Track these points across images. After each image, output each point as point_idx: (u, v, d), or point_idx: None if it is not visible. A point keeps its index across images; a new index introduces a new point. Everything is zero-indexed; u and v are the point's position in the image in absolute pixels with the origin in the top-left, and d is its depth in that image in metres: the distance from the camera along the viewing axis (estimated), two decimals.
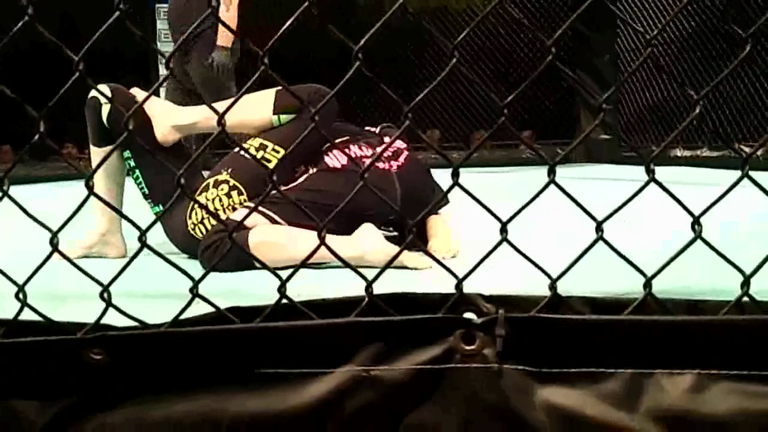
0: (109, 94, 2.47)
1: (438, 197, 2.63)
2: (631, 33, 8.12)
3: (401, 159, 2.55)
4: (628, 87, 8.18)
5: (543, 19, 8.86)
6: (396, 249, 2.18)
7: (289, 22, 0.91)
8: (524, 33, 8.94)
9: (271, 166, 2.40)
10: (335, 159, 2.46)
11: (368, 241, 2.27)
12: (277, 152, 2.43)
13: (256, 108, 2.45)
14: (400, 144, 2.63)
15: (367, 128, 2.74)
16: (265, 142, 2.44)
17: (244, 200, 2.42)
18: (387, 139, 2.64)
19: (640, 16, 7.86)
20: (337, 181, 2.39)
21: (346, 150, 2.47)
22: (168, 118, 2.49)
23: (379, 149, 2.56)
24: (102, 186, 2.45)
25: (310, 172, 2.47)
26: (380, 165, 2.47)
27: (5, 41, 0.89)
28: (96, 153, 2.55)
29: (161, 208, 2.57)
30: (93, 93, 2.49)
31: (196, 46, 4.57)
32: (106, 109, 2.46)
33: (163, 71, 8.04)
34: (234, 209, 2.41)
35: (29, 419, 0.86)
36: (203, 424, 0.85)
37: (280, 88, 2.44)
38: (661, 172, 0.90)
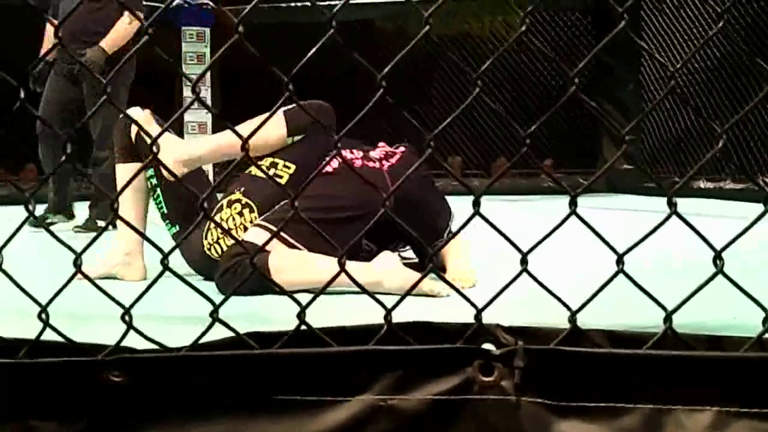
0: (141, 115, 2.51)
1: (444, 212, 2.65)
2: (655, 63, 8.11)
3: (393, 159, 2.57)
4: (652, 118, 8.15)
5: (566, 47, 8.87)
6: (413, 274, 2.20)
7: (314, 49, 0.92)
8: (547, 61, 8.95)
9: (282, 182, 2.44)
10: (328, 165, 2.48)
11: (387, 267, 2.27)
12: (288, 168, 2.47)
13: (271, 132, 2.48)
14: (388, 147, 2.66)
15: (381, 144, 2.74)
16: (276, 160, 2.49)
17: (255, 218, 2.43)
18: (381, 144, 2.67)
19: (664, 45, 7.85)
20: (329, 183, 2.41)
21: (338, 157, 2.49)
22: (172, 153, 2.48)
23: (372, 153, 2.58)
24: (128, 206, 2.46)
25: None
26: (371, 164, 2.50)
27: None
28: (119, 168, 2.59)
29: (178, 228, 2.59)
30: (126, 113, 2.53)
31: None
32: (135, 129, 2.50)
33: (187, 93, 8.11)
34: (245, 228, 2.42)
35: None
36: None
37: (286, 108, 2.47)
38: (684, 204, 0.90)
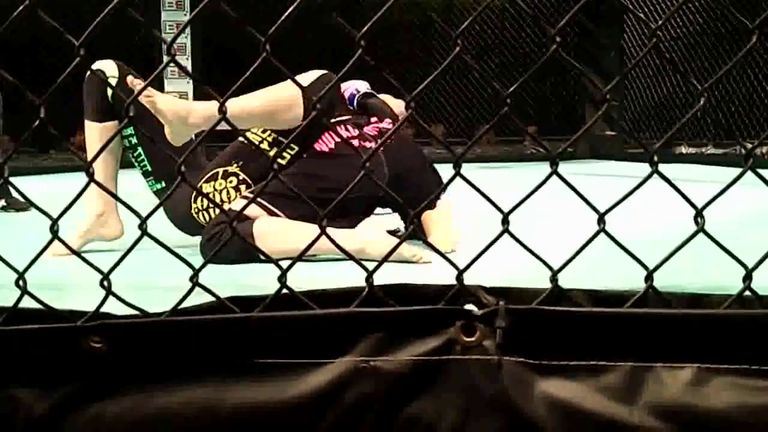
0: (116, 71, 2.44)
1: (433, 182, 2.63)
2: (637, 29, 8.10)
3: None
4: (634, 84, 8.17)
5: (549, 14, 8.84)
6: (396, 242, 2.19)
7: (290, 10, 0.91)
8: (530, 28, 8.91)
9: (284, 162, 2.41)
10: (323, 143, 2.45)
11: (369, 234, 2.28)
12: (292, 149, 2.43)
13: (286, 112, 2.35)
14: (386, 124, 2.64)
15: (373, 120, 2.71)
16: (282, 139, 2.43)
17: (252, 193, 2.42)
18: (374, 120, 2.64)
19: (645, 9, 7.84)
20: (327, 165, 2.40)
21: (332, 133, 2.46)
22: (181, 118, 2.35)
23: (366, 129, 2.56)
24: (99, 165, 2.38)
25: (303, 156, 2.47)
26: (367, 144, 2.48)
27: (5, 25, 0.89)
28: (95, 128, 2.47)
29: (163, 185, 2.56)
30: (95, 66, 2.44)
31: None
32: (113, 82, 2.42)
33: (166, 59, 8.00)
34: None
35: (29, 407, 0.86)
36: (202, 414, 0.85)
37: (304, 85, 2.41)
38: (665, 169, 0.89)
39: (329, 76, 2.38)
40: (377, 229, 2.34)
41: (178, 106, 2.34)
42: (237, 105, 2.20)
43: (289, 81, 2.41)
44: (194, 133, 2.44)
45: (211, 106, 2.48)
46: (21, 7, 0.88)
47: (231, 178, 2.44)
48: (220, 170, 2.47)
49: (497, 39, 9.08)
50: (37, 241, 0.92)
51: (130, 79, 2.37)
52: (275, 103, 2.32)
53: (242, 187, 2.43)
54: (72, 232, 2.46)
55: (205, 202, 2.43)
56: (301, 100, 2.34)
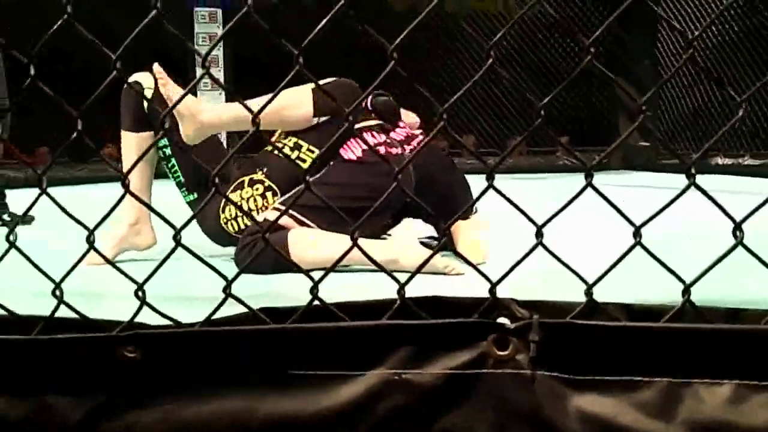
0: (152, 83, 2.46)
1: (460, 187, 2.62)
2: (671, 37, 8.02)
3: (415, 142, 2.54)
4: (669, 94, 8.08)
5: (582, 24, 8.78)
6: (429, 253, 2.18)
7: (324, 21, 0.91)
8: (563, 39, 8.86)
9: (305, 166, 2.41)
10: (350, 150, 2.46)
11: (403, 245, 2.27)
12: (312, 152, 2.44)
13: (296, 109, 2.44)
14: (412, 129, 2.63)
15: (402, 125, 2.71)
16: (301, 142, 2.45)
17: (277, 201, 2.43)
18: (402, 124, 2.63)
19: (680, 18, 7.76)
20: (354, 173, 2.40)
21: (360, 140, 2.47)
22: (195, 118, 2.42)
23: (393, 134, 2.56)
24: (135, 175, 2.40)
25: (330, 164, 2.47)
26: (393, 150, 2.47)
27: (45, 39, 0.90)
28: (131, 138, 2.50)
29: (195, 197, 2.58)
30: (132, 78, 2.47)
31: None
32: (148, 95, 2.45)
33: (200, 72, 8.09)
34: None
35: (63, 414, 0.87)
36: (234, 425, 0.85)
37: (314, 86, 2.44)
38: (703, 180, 0.88)
39: (341, 81, 2.42)
40: (411, 239, 2.34)
41: (190, 100, 2.40)
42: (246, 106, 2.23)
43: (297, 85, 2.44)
44: (210, 135, 2.47)
45: (223, 107, 2.52)
46: (60, 21, 0.90)
47: (257, 186, 2.46)
48: (246, 178, 2.48)
49: (528, 48, 9.03)
50: (67, 251, 0.93)
51: (164, 90, 2.39)
52: (284, 101, 2.36)
53: (269, 194, 2.45)
54: (106, 242, 2.49)
55: (233, 211, 2.45)
56: (311, 98, 2.39)
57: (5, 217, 3.95)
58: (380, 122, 2.62)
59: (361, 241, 0.95)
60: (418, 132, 2.62)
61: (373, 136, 2.53)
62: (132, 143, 2.50)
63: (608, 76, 0.93)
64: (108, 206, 0.96)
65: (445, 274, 2.15)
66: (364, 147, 2.44)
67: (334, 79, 2.44)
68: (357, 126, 2.53)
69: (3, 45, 0.86)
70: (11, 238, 0.95)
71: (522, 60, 8.97)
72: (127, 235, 2.53)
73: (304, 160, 2.43)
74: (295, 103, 2.42)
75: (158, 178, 2.59)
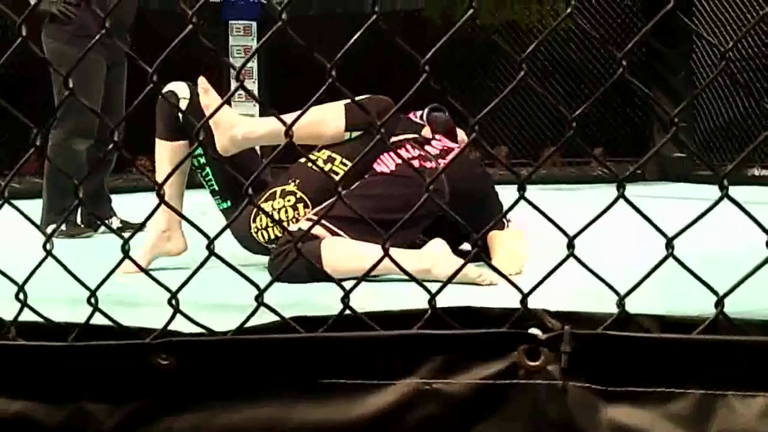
0: (188, 93, 2.49)
1: (497, 203, 2.61)
2: (706, 48, 7.95)
3: (449, 158, 2.54)
4: (704, 105, 7.99)
5: (616, 35, 8.73)
6: (462, 262, 2.17)
7: (357, 35, 0.92)
8: (596, 50, 8.81)
9: (338, 178, 2.42)
10: (383, 164, 2.46)
11: (436, 255, 2.27)
12: (345, 165, 2.45)
13: (329, 123, 2.45)
14: (449, 143, 2.63)
15: (410, 115, 2.70)
16: (333, 155, 2.47)
17: (308, 213, 2.44)
18: (437, 137, 2.63)
19: (715, 29, 7.68)
20: (388, 186, 2.40)
21: (393, 153, 2.47)
22: (231, 130, 2.44)
23: (428, 147, 2.56)
24: (167, 184, 2.42)
25: (365, 177, 2.48)
26: (427, 164, 2.47)
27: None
28: (166, 147, 2.52)
29: (228, 205, 2.61)
30: (168, 88, 2.50)
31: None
32: (183, 104, 2.48)
33: (234, 85, 8.17)
34: (298, 221, 2.43)
35: (99, 421, 0.88)
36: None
37: (348, 101, 2.45)
38: (737, 191, 0.87)
39: (375, 97, 2.43)
40: (444, 249, 2.33)
41: (227, 111, 2.43)
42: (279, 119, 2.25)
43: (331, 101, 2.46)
44: (246, 148, 2.49)
45: (258, 121, 2.54)
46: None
47: (289, 197, 2.47)
48: (278, 189, 2.50)
49: (562, 60, 8.99)
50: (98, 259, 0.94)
51: (204, 98, 2.42)
52: (317, 116, 2.38)
53: (300, 206, 2.46)
54: (138, 250, 2.52)
55: (264, 221, 2.47)
56: (343, 113, 2.40)
57: (115, 222, 3.96)
58: (416, 136, 2.62)
59: (394, 251, 0.96)
60: (454, 146, 2.62)
61: (407, 150, 2.53)
62: (165, 151, 2.52)
63: (640, 88, 0.92)
64: (141, 215, 0.98)
65: (477, 284, 2.14)
66: (398, 161, 2.45)
67: (369, 96, 2.45)
68: (393, 140, 2.54)
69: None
70: (126, 247, 0.96)
71: (559, 72, 8.94)
72: (158, 242, 2.56)
73: (337, 173, 2.44)
74: (328, 117, 2.44)
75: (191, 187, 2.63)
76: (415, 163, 2.47)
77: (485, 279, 2.16)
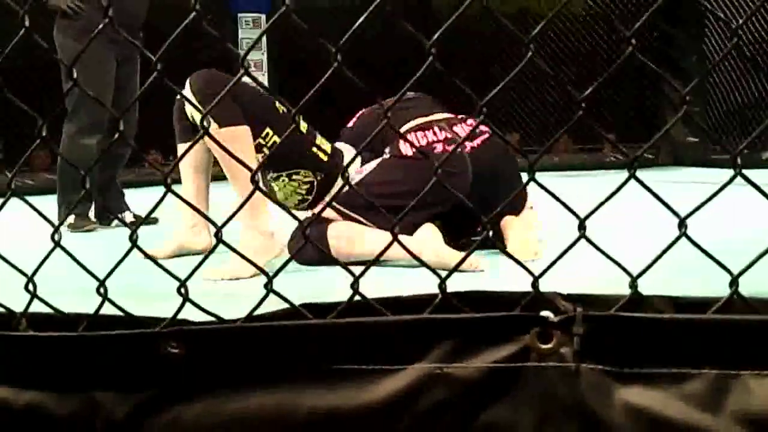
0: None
1: (517, 191, 2.60)
2: (718, 32, 7.87)
3: (477, 141, 2.52)
4: (716, 89, 7.92)
5: (628, 20, 8.66)
6: (449, 252, 2.16)
7: (361, 19, 0.91)
8: (606, 34, 8.75)
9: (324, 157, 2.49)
10: (408, 146, 2.45)
11: (422, 241, 2.26)
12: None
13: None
14: (481, 127, 2.61)
15: (469, 122, 2.66)
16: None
17: (305, 174, 2.48)
18: (470, 121, 2.61)
19: (726, 11, 7.61)
20: (408, 170, 2.40)
21: (419, 135, 2.48)
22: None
23: (456, 128, 2.54)
24: (190, 179, 2.46)
25: (384, 157, 2.48)
26: (450, 148, 2.45)
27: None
28: (183, 148, 2.55)
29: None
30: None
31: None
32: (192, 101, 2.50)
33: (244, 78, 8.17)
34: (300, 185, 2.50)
35: (109, 410, 0.88)
36: (277, 419, 0.86)
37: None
38: (752, 174, 0.86)
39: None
40: (435, 235, 2.32)
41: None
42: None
43: None
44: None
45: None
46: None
47: (296, 180, 2.53)
48: (285, 173, 2.53)
49: (575, 47, 8.94)
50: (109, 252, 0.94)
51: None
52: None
53: (304, 188, 2.51)
54: (166, 242, 2.57)
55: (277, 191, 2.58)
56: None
57: (129, 216, 3.97)
58: (447, 117, 2.61)
59: (403, 238, 0.95)
60: (485, 130, 2.59)
61: (434, 132, 2.51)
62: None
63: (650, 66, 0.91)
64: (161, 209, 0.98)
65: (464, 271, 2.10)
66: (422, 143, 2.45)
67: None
68: (420, 121, 2.54)
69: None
70: (133, 237, 0.96)
71: (571, 59, 8.88)
72: (186, 237, 2.60)
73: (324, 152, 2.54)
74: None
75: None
76: (439, 146, 2.46)
77: (470, 264, 2.13)
